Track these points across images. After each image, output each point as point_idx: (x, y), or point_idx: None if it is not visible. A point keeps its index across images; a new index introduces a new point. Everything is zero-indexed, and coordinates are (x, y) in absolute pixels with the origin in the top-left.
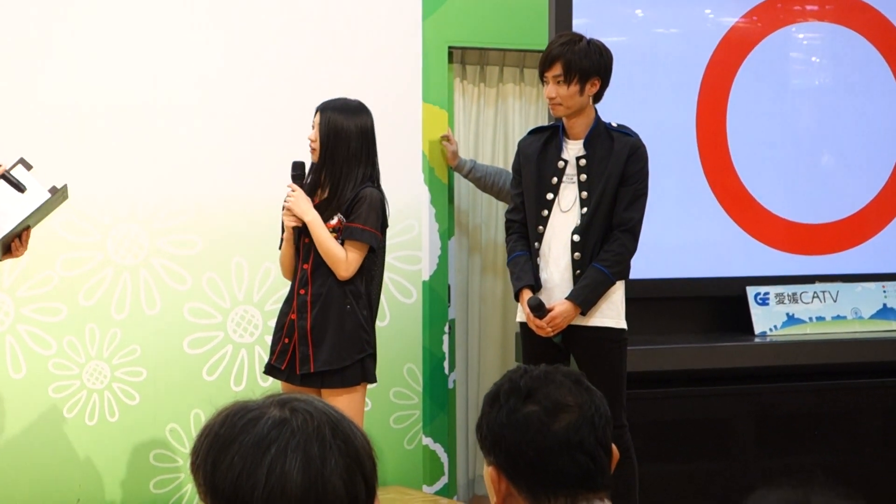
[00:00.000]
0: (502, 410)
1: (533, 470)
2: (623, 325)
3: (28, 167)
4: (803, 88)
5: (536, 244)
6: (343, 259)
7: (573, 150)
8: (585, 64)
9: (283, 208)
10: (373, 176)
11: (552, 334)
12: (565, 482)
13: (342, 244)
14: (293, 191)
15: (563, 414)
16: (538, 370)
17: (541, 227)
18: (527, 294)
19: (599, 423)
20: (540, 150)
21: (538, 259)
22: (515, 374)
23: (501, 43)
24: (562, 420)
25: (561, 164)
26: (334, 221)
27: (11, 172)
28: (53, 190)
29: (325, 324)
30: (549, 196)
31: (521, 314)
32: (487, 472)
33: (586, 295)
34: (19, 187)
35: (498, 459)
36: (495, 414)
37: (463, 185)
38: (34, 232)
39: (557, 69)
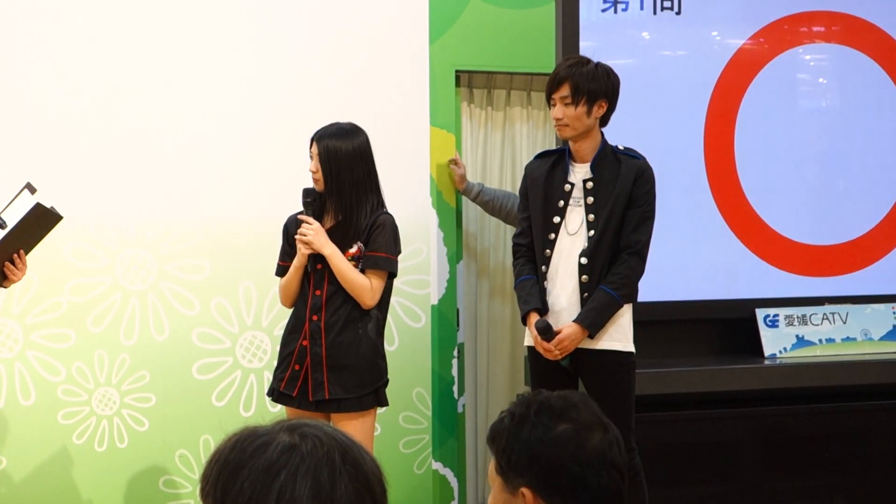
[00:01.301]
0: (536, 429)
1: (573, 486)
2: (631, 348)
3: (32, 191)
4: (811, 110)
5: (544, 267)
6: (368, 287)
7: (580, 173)
8: (593, 86)
9: (297, 238)
10: (381, 200)
11: (560, 357)
12: (601, 499)
13: (363, 272)
14: (310, 224)
15: (593, 432)
16: (559, 393)
17: (548, 251)
18: (534, 317)
19: (621, 445)
20: (546, 173)
21: (545, 282)
22: (540, 396)
23: (508, 66)
24: (594, 437)
25: (567, 187)
26: (353, 250)
27: (18, 197)
28: (39, 208)
29: (341, 350)
30: (556, 219)
31: (529, 338)
32: (502, 497)
33: (594, 318)
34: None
35: (534, 479)
36: (527, 433)
37: (471, 209)
38: (41, 257)
39: (565, 90)
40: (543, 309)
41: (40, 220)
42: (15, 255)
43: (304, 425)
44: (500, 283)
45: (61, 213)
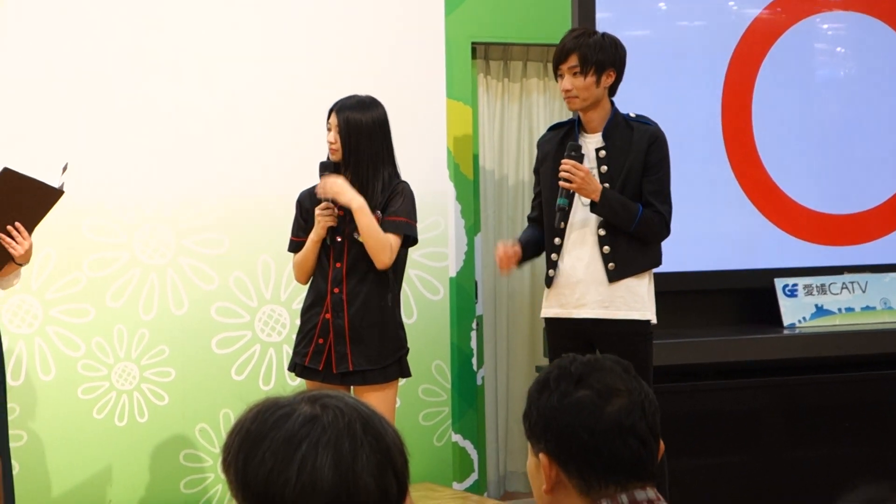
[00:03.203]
0: (553, 395)
1: (585, 454)
2: (648, 317)
3: (64, 170)
4: (828, 78)
5: (557, 240)
6: (389, 245)
7: (592, 142)
8: (601, 56)
9: (318, 213)
10: (396, 172)
11: (568, 179)
12: (617, 468)
13: None
14: (333, 179)
15: (614, 398)
16: (586, 357)
17: (562, 224)
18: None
19: (650, 410)
20: (557, 145)
21: (555, 255)
22: (564, 361)
23: (525, 38)
24: (614, 404)
25: (575, 154)
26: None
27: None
28: (5, 172)
29: (363, 322)
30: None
31: (547, 310)
32: (532, 462)
33: (613, 197)
34: None
35: (549, 445)
36: (546, 399)
37: (489, 181)
38: (60, 233)
39: (573, 60)
40: (525, 250)
41: (35, 193)
42: (10, 228)
43: (325, 396)
44: None
45: (56, 186)
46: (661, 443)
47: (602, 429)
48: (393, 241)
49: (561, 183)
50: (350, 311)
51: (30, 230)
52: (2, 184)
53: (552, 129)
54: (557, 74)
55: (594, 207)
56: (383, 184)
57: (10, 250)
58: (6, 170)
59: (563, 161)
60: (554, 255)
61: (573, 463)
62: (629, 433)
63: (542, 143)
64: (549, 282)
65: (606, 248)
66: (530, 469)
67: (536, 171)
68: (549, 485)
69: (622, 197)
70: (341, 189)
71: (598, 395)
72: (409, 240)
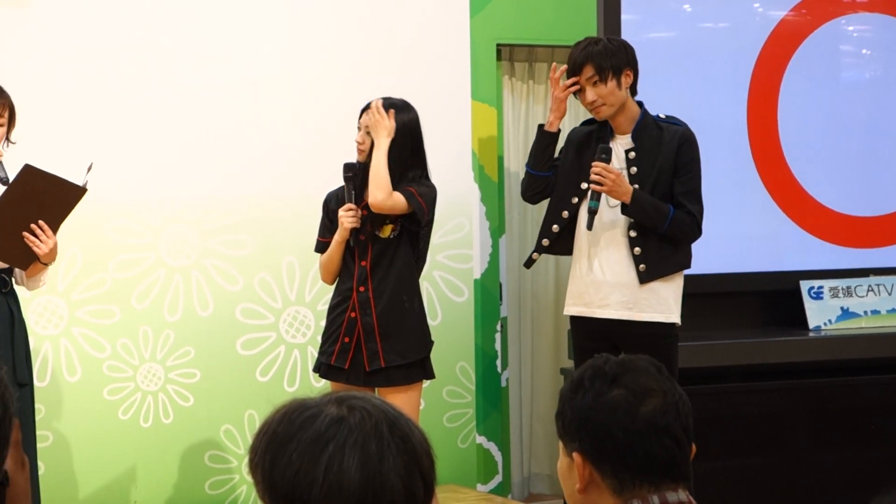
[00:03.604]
0: (588, 394)
1: (620, 453)
2: (674, 319)
3: (89, 169)
4: (854, 80)
5: (556, 227)
6: (389, 190)
7: (621, 144)
8: (614, 59)
9: (340, 217)
10: (426, 174)
11: (598, 182)
12: (651, 468)
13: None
14: (382, 118)
15: (649, 398)
16: (620, 357)
17: (566, 213)
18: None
19: (683, 411)
20: (584, 136)
21: (550, 240)
22: (598, 361)
23: (550, 39)
24: (649, 404)
25: (605, 157)
26: (390, 227)
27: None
28: (27, 169)
29: (391, 319)
30: (584, 185)
31: (571, 308)
32: (565, 462)
33: (644, 198)
34: (3, 180)
35: (583, 444)
36: (580, 398)
37: (513, 183)
38: (85, 234)
39: (589, 71)
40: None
41: (57, 191)
42: (34, 227)
43: (352, 397)
44: (544, 256)
45: (82, 185)
46: (693, 445)
47: (637, 428)
48: (396, 196)
49: (592, 186)
50: (378, 309)
51: (54, 229)
52: (23, 181)
53: (585, 123)
54: (576, 92)
55: (625, 209)
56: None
57: (35, 249)
58: (27, 166)
59: (593, 164)
60: (545, 241)
61: (607, 462)
62: (664, 433)
63: (572, 132)
64: (535, 257)
65: (637, 250)
66: (562, 469)
67: (559, 153)
68: (582, 484)
69: (653, 198)
70: (380, 121)
71: (633, 394)
72: (414, 214)
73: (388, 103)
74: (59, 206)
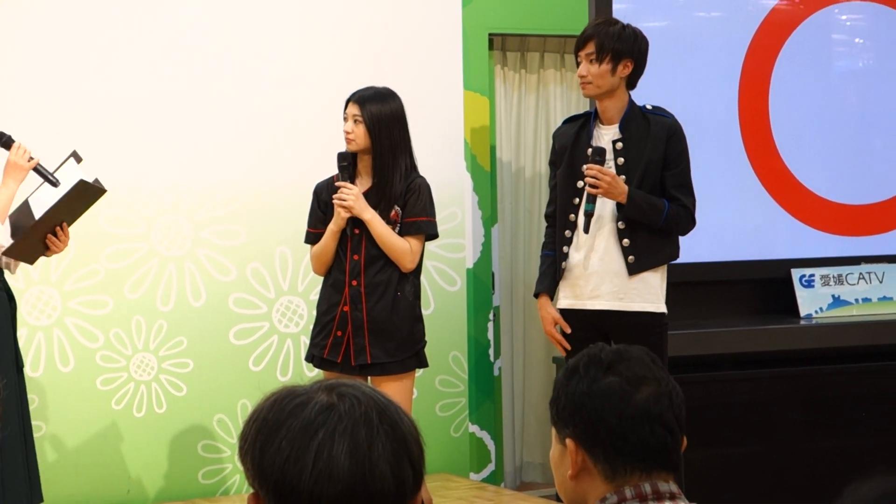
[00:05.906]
0: (583, 381)
1: (613, 439)
2: (663, 309)
3: (78, 160)
4: (846, 69)
5: (567, 232)
6: (408, 251)
7: (608, 134)
8: (618, 45)
9: (336, 202)
10: (413, 163)
11: (594, 185)
12: (644, 455)
13: (402, 236)
14: (349, 189)
15: (643, 386)
16: (615, 346)
17: (572, 216)
18: (544, 298)
19: (676, 400)
20: (573, 138)
21: (567, 247)
22: (593, 349)
23: (541, 29)
24: (643, 391)
25: (590, 150)
26: (391, 214)
27: (64, 164)
28: (81, 185)
29: (381, 314)
30: (580, 184)
31: (563, 300)
32: (557, 449)
33: (640, 196)
34: (52, 182)
35: (577, 430)
36: (575, 385)
37: (506, 172)
38: (78, 225)
39: (591, 47)
40: (552, 290)
41: (84, 195)
42: (57, 227)
43: (341, 385)
44: (536, 246)
45: (104, 187)
46: (684, 437)
47: (631, 415)
48: (414, 244)
49: (588, 189)
50: (369, 304)
51: (70, 226)
52: (74, 193)
53: (567, 121)
54: (577, 62)
55: (622, 209)
56: (401, 174)
57: (53, 248)
58: (81, 182)
59: (587, 166)
60: (566, 248)
61: (600, 448)
62: (657, 421)
63: (557, 136)
64: (560, 273)
65: (626, 241)
66: (554, 457)
67: (552, 164)
68: (574, 470)
69: (647, 195)
70: (354, 203)
71: (627, 382)
72: (431, 236)
73: (372, 93)
74: (81, 207)
